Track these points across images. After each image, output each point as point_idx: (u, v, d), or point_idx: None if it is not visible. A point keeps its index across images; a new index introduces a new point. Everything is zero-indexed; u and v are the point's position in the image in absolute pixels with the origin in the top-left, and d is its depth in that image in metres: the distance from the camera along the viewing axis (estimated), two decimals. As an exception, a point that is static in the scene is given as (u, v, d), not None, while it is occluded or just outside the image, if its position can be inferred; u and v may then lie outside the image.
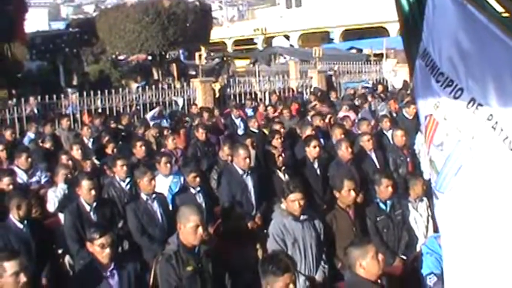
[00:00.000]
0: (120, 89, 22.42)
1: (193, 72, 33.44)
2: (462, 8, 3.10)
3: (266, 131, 14.25)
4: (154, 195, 8.54)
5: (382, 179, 8.08)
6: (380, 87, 23.34)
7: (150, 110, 20.40)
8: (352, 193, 7.74)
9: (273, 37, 55.71)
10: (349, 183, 7.77)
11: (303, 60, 33.84)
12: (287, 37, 55.02)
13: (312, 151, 10.64)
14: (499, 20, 2.99)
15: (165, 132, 14.50)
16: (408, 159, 11.56)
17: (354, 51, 40.25)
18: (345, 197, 7.72)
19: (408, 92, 21.53)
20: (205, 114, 17.41)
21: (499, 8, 3.06)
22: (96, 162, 12.25)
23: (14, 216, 7.46)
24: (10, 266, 5.11)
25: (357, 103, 19.42)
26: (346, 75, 29.04)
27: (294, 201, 7.05)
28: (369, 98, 20.23)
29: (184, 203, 7.71)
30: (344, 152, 10.53)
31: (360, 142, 11.63)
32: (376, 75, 29.60)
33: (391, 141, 12.40)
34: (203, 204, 8.60)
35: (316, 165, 10.62)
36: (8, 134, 15.04)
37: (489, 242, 3.25)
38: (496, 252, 3.23)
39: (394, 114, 16.46)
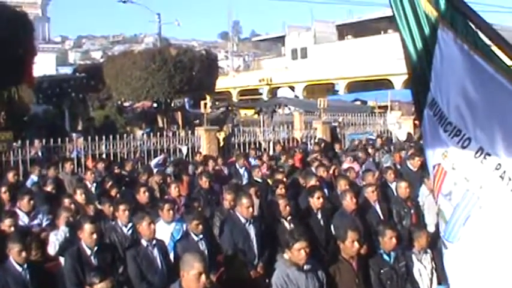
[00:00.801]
0: (125, 135, 22.49)
1: (198, 121, 33.52)
2: (470, 58, 3.12)
3: (270, 181, 14.24)
4: (154, 242, 8.50)
5: (386, 230, 8.04)
6: (379, 140, 23.32)
7: (154, 157, 20.46)
8: (356, 244, 7.69)
9: (278, 88, 56.02)
10: (353, 234, 7.73)
11: (308, 111, 33.94)
12: (292, 88, 55.34)
13: (315, 202, 10.61)
14: (506, 71, 3.01)
15: (169, 180, 14.49)
16: (412, 211, 11.52)
17: (358, 102, 40.41)
18: (349, 247, 7.67)
19: (412, 144, 21.57)
20: (209, 163, 17.44)
21: (507, 60, 3.08)
22: (99, 206, 12.21)
23: (14, 259, 7.40)
24: None
25: (360, 154, 19.43)
26: (350, 127, 29.11)
27: (299, 249, 7.01)
28: (371, 150, 20.28)
29: (187, 250, 7.67)
30: (349, 202, 10.49)
31: (364, 193, 11.60)
32: (380, 127, 29.66)
33: (395, 193, 12.38)
34: (205, 252, 8.53)
35: (319, 215, 10.59)
36: (11, 175, 14.97)
37: None
38: None
39: (398, 166, 16.46)
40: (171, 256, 8.84)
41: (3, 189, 12.55)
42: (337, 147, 22.97)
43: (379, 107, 34.04)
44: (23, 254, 7.39)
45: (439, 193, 3.52)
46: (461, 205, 3.31)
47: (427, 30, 3.49)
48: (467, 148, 3.24)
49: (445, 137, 3.37)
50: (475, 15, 3.19)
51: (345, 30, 65.81)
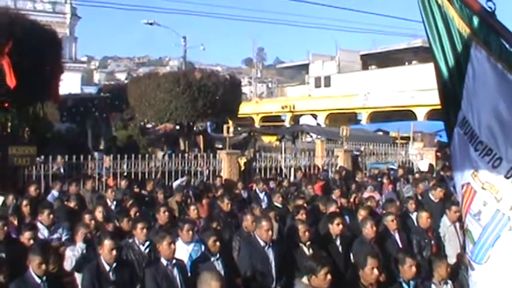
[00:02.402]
0: (147, 156, 22.57)
1: (220, 146, 33.52)
2: (503, 77, 3.09)
3: (290, 207, 14.22)
4: (174, 261, 8.48)
5: (406, 258, 7.97)
6: (400, 171, 23.21)
7: (175, 179, 20.49)
8: (376, 271, 7.62)
9: (301, 115, 56.07)
10: (372, 261, 7.66)
11: (330, 139, 33.90)
12: (315, 116, 55.35)
13: (335, 228, 10.56)
14: None
15: (189, 201, 14.51)
16: (433, 242, 11.43)
17: (380, 133, 40.35)
18: (368, 274, 7.60)
19: (434, 175, 21.45)
20: (230, 186, 17.45)
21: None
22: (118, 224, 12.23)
23: (33, 271, 7.43)
24: None
25: (381, 183, 19.39)
26: (372, 156, 29.03)
27: (325, 274, 6.94)
28: (392, 180, 20.23)
29: (204, 269, 7.63)
30: (368, 230, 10.43)
31: (384, 222, 11.51)
32: (402, 158, 29.55)
33: (416, 223, 12.29)
34: (222, 272, 8.48)
35: (338, 242, 10.52)
36: (32, 189, 15.12)
37: None
38: None
39: (420, 197, 16.36)
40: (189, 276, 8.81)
41: (25, 202, 12.72)
42: (358, 176, 22.87)
43: (402, 138, 33.91)
44: (43, 266, 7.42)
45: (467, 213, 3.47)
46: (491, 226, 3.26)
47: (459, 48, 3.46)
48: (498, 168, 3.20)
49: (475, 156, 3.33)
50: (509, 34, 3.16)
51: (369, 60, 66.01)
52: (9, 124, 25.05)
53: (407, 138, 32.68)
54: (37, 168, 19.28)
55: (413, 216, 12.97)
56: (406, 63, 59.94)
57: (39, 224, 11.10)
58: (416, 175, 22.04)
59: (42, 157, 19.87)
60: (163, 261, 8.41)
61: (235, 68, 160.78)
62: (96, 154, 23.63)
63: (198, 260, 9.16)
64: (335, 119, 54.07)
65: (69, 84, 38.20)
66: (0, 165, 18.48)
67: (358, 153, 28.65)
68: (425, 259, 10.25)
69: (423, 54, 54.27)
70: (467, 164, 3.41)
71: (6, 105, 23.48)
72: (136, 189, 17.03)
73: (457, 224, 11.74)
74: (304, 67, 72.00)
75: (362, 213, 12.25)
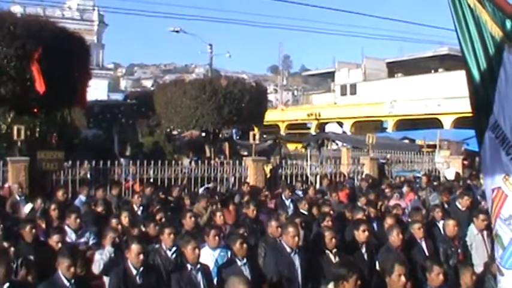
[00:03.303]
0: (173, 162, 22.69)
1: (245, 153, 33.54)
2: None
3: (316, 214, 14.21)
4: (199, 266, 8.51)
5: (434, 266, 7.93)
6: (425, 178, 23.01)
7: (201, 185, 20.56)
8: (403, 278, 7.57)
9: (326, 123, 56.00)
10: (400, 267, 7.62)
11: (355, 147, 33.83)
12: (340, 124, 55.24)
13: (360, 235, 10.50)
14: None
15: (214, 208, 14.54)
16: (459, 250, 11.33)
17: (406, 141, 40.15)
18: (395, 282, 7.56)
19: (461, 183, 21.30)
20: (256, 193, 17.47)
21: None
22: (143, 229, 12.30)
23: (62, 274, 7.50)
24: None
25: (406, 191, 19.29)
26: (398, 164, 28.91)
27: (355, 281, 6.93)
28: (417, 188, 20.15)
29: (230, 275, 7.64)
30: (395, 238, 10.37)
31: (410, 230, 11.45)
32: (428, 166, 29.38)
33: (443, 232, 12.20)
34: (249, 277, 8.48)
35: (364, 249, 10.46)
36: (60, 194, 15.38)
37: None
38: None
39: (446, 206, 16.26)
40: (215, 281, 8.84)
41: (53, 206, 12.91)
42: (384, 183, 22.78)
43: (428, 146, 33.74)
44: (72, 269, 7.48)
45: (497, 217, 3.45)
46: None
47: (492, 52, 3.45)
48: None
49: (507, 160, 3.31)
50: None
51: (395, 68, 65.77)
52: (38, 129, 25.30)
53: (434, 146, 32.51)
54: (65, 173, 19.56)
55: (440, 224, 12.87)
56: (433, 71, 59.61)
57: (66, 228, 11.23)
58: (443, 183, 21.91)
59: (70, 162, 20.09)
60: (188, 266, 8.45)
61: (261, 75, 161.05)
62: (122, 160, 23.79)
63: (224, 265, 9.17)
64: (361, 127, 53.94)
65: (96, 91, 38.59)
66: (29, 170, 18.70)
67: (384, 161, 28.54)
68: (451, 268, 10.17)
69: (450, 62, 53.97)
70: (498, 168, 3.39)
71: (35, 110, 23.76)
72: (163, 196, 17.12)
73: (485, 233, 11.67)
74: (330, 75, 71.89)
75: (388, 221, 12.19)
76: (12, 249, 9.14)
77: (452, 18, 3.65)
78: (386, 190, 19.39)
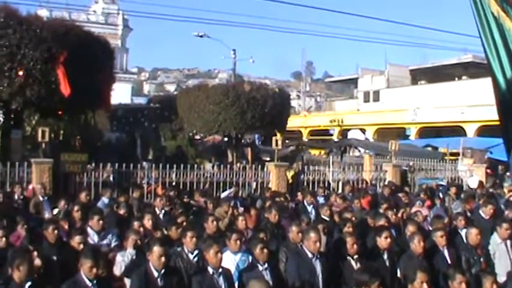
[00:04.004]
0: (195, 166, 22.79)
1: (267, 158, 33.56)
2: None
3: (337, 220, 14.19)
4: (220, 270, 8.53)
5: (456, 274, 7.90)
6: (454, 190, 22.80)
7: (223, 190, 20.62)
8: (425, 286, 7.55)
9: (349, 129, 55.86)
10: (422, 275, 7.61)
11: (378, 154, 33.74)
12: (363, 130, 55.09)
13: (383, 241, 10.46)
14: None
15: (236, 212, 14.58)
16: (482, 259, 11.25)
17: (429, 148, 39.96)
18: (417, 289, 7.54)
19: (484, 192, 21.16)
20: (278, 198, 17.48)
21: None
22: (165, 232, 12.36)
23: (84, 274, 7.58)
24: None
25: (428, 198, 19.24)
26: (421, 172, 28.78)
27: (377, 287, 6.93)
28: (440, 196, 20.03)
29: (252, 279, 7.66)
30: (416, 245, 10.33)
31: (432, 237, 11.39)
32: (451, 174, 29.23)
33: (465, 240, 12.12)
34: (270, 282, 8.49)
35: (385, 256, 10.42)
36: (83, 196, 15.59)
37: None
38: None
39: (469, 214, 16.16)
40: (236, 286, 8.86)
41: (76, 208, 13.00)
42: (406, 191, 22.68)
43: (451, 154, 33.59)
44: (94, 270, 7.54)
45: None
46: None
47: (517, 58, 3.46)
48: None
49: None
50: None
51: (418, 75, 65.45)
52: (62, 132, 25.55)
53: (457, 154, 32.36)
54: (88, 175, 19.72)
55: (463, 232, 12.79)
56: (456, 78, 59.26)
57: (89, 229, 11.35)
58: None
59: (93, 164, 20.26)
60: (210, 270, 8.46)
61: (284, 81, 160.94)
62: (144, 164, 23.93)
63: (245, 270, 9.18)
64: (383, 134, 53.72)
65: (120, 94, 38.86)
66: (53, 172, 18.88)
67: (407, 168, 28.44)
68: (473, 276, 10.11)
69: (474, 69, 53.69)
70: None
71: (60, 113, 23.98)
72: (185, 199, 17.21)
73: (508, 242, 11.59)
74: (353, 81, 71.74)
75: (410, 228, 12.13)
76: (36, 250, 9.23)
77: (476, 25, 3.69)
78: (404, 198, 19.31)
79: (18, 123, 23.47)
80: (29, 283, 7.53)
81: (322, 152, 42.87)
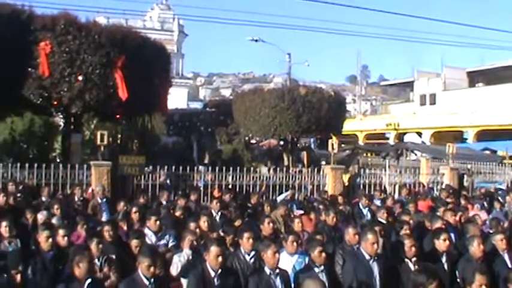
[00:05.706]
0: (251, 169, 22.92)
1: (323, 162, 33.48)
2: None
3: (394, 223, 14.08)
4: (277, 271, 8.54)
5: (517, 278, 7.77)
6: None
7: (279, 193, 20.67)
8: (484, 288, 7.45)
9: (405, 133, 55.38)
10: (481, 277, 7.49)
11: (435, 157, 33.36)
12: (419, 134, 54.55)
13: (441, 244, 10.33)
14: None
15: (292, 215, 14.60)
16: (543, 263, 11.02)
17: (487, 152, 39.36)
18: (476, 292, 7.43)
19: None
20: (336, 201, 17.47)
21: None
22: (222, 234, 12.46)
23: (142, 273, 7.71)
24: None
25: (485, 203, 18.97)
26: (479, 175, 28.38)
27: None
28: (500, 199, 19.72)
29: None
30: (476, 248, 10.16)
31: (492, 241, 11.21)
32: (510, 178, 28.73)
33: (525, 245, 11.90)
34: (326, 284, 8.49)
35: (444, 259, 10.28)
36: (141, 198, 15.80)
37: None
38: None
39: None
40: (292, 287, 8.87)
41: (134, 209, 13.25)
42: (465, 194, 22.39)
43: (510, 157, 33.04)
44: (151, 269, 7.65)
45: None
46: None
47: None
48: None
49: None
50: None
51: (475, 77, 64.55)
52: (119, 135, 25.93)
53: (516, 157, 31.85)
54: (145, 177, 20.02)
55: (523, 237, 12.57)
56: (515, 80, 58.33)
57: (146, 230, 11.60)
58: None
59: (150, 167, 20.57)
60: (267, 270, 8.48)
61: (339, 85, 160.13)
62: (201, 167, 24.14)
63: (302, 271, 9.18)
64: (440, 137, 53.11)
65: (176, 99, 39.31)
66: (111, 174, 19.22)
67: (465, 171, 28.06)
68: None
69: (532, 70, 52.82)
70: None
71: (118, 116, 24.35)
72: (242, 202, 17.35)
73: None
74: (409, 84, 71.14)
75: (470, 231, 11.98)
76: (99, 246, 9.43)
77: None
78: (463, 202, 19.07)
79: (77, 127, 23.89)
80: (89, 280, 7.69)
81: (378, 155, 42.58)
